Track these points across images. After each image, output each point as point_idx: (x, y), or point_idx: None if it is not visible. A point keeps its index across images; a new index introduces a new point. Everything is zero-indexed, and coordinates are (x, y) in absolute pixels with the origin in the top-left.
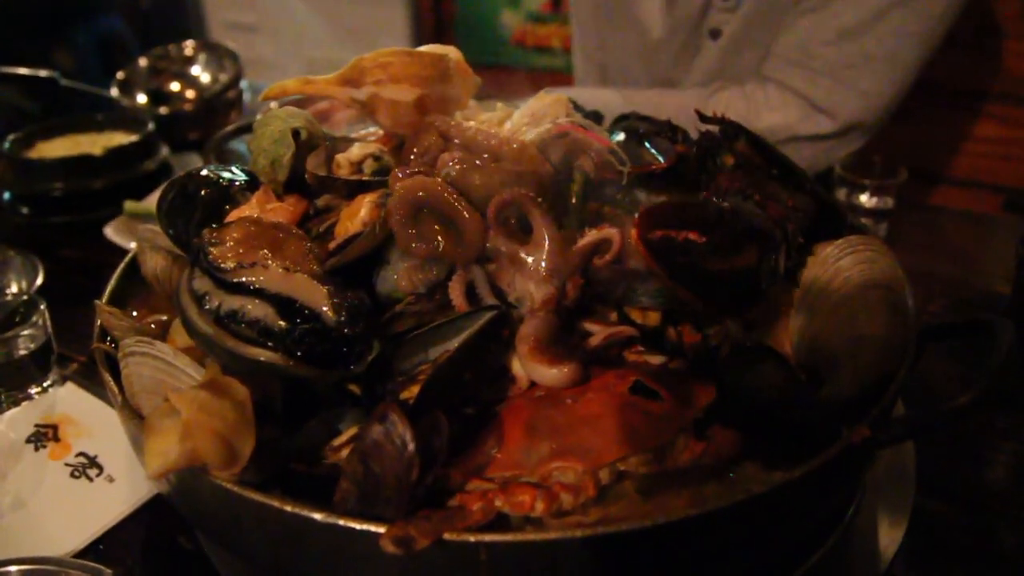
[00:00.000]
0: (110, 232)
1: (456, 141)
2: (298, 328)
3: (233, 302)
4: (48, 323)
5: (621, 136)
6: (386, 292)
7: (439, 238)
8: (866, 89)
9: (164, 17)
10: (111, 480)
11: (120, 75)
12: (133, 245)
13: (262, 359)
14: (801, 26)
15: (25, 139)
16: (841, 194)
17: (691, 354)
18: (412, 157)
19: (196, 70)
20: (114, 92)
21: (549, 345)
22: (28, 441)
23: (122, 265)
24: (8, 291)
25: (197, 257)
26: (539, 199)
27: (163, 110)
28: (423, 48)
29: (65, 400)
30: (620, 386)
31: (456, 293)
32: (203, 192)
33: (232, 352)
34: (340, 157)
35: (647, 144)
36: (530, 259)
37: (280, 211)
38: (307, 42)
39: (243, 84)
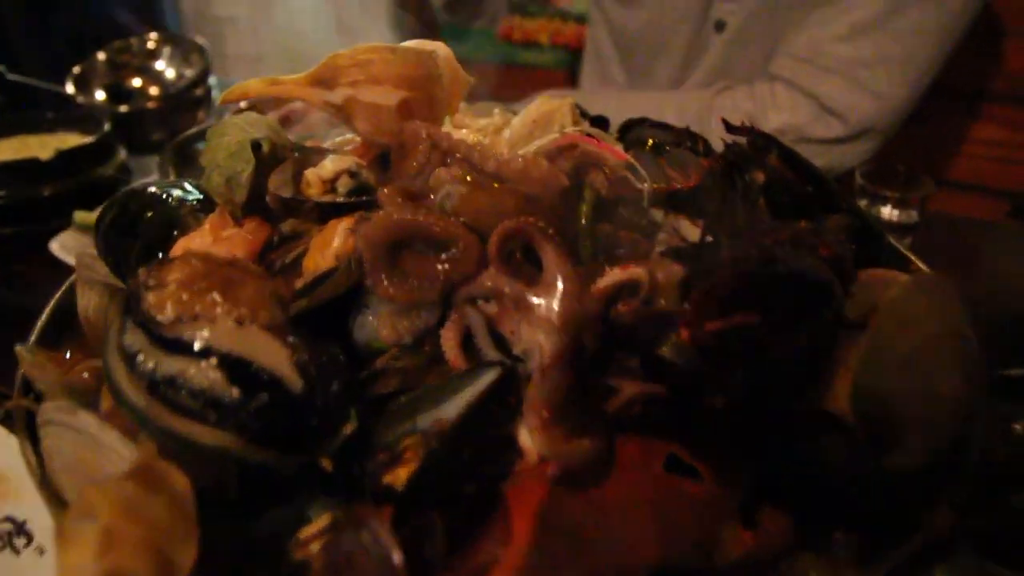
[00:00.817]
0: (56, 248)
1: (457, 155)
2: (254, 399)
3: (172, 365)
4: None
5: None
6: (365, 341)
7: (426, 272)
8: (880, 90)
9: (137, 8)
10: (41, 552)
11: (76, 70)
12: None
13: (207, 442)
14: (812, 21)
15: None
16: (860, 205)
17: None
18: (406, 173)
19: (160, 65)
20: (69, 88)
21: (565, 413)
22: None
23: (57, 296)
24: None
25: (129, 305)
26: (551, 230)
27: (123, 108)
28: (407, 44)
29: None
30: (651, 462)
31: (450, 344)
32: (147, 214)
33: (169, 432)
34: (310, 174)
35: (666, 156)
36: (540, 303)
37: (237, 239)
38: (290, 34)
39: (212, 80)
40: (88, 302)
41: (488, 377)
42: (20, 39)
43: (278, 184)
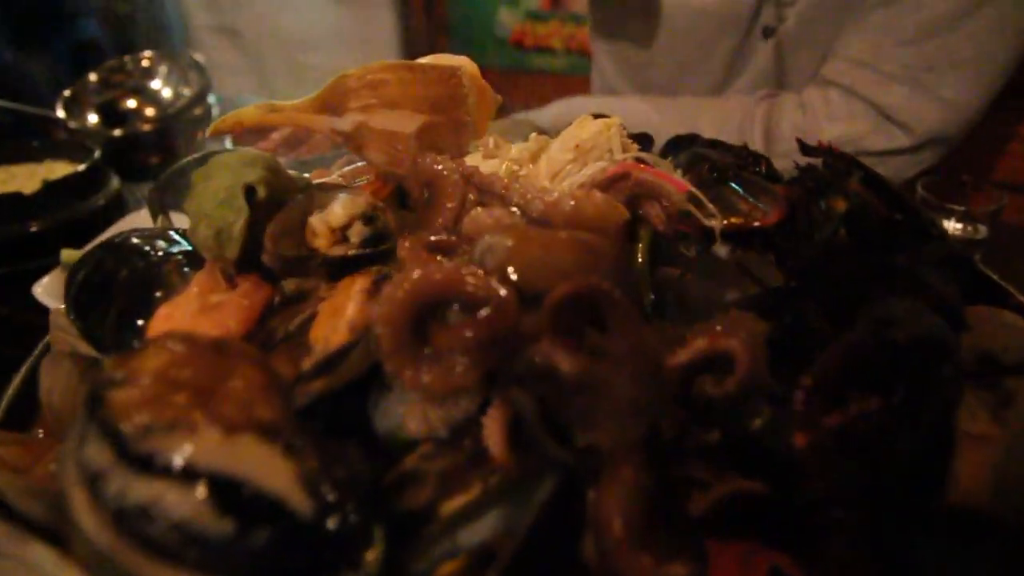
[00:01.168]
0: (41, 292)
1: (496, 196)
2: (252, 533)
3: (142, 490)
4: None
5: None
6: (389, 432)
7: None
8: (950, 97)
9: (142, 22)
10: None
11: (67, 92)
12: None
13: None
14: (873, 22)
15: None
16: None
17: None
18: (433, 221)
19: (156, 84)
20: (60, 112)
21: (647, 529)
22: None
23: (27, 364)
24: None
25: (92, 410)
26: (618, 293)
27: (117, 132)
28: (426, 60)
29: None
30: None
31: (495, 438)
32: (123, 273)
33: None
34: (316, 222)
35: (732, 183)
36: (607, 384)
37: (229, 307)
38: (294, 47)
39: (212, 99)
40: (53, 382)
41: (549, 483)
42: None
43: (279, 235)
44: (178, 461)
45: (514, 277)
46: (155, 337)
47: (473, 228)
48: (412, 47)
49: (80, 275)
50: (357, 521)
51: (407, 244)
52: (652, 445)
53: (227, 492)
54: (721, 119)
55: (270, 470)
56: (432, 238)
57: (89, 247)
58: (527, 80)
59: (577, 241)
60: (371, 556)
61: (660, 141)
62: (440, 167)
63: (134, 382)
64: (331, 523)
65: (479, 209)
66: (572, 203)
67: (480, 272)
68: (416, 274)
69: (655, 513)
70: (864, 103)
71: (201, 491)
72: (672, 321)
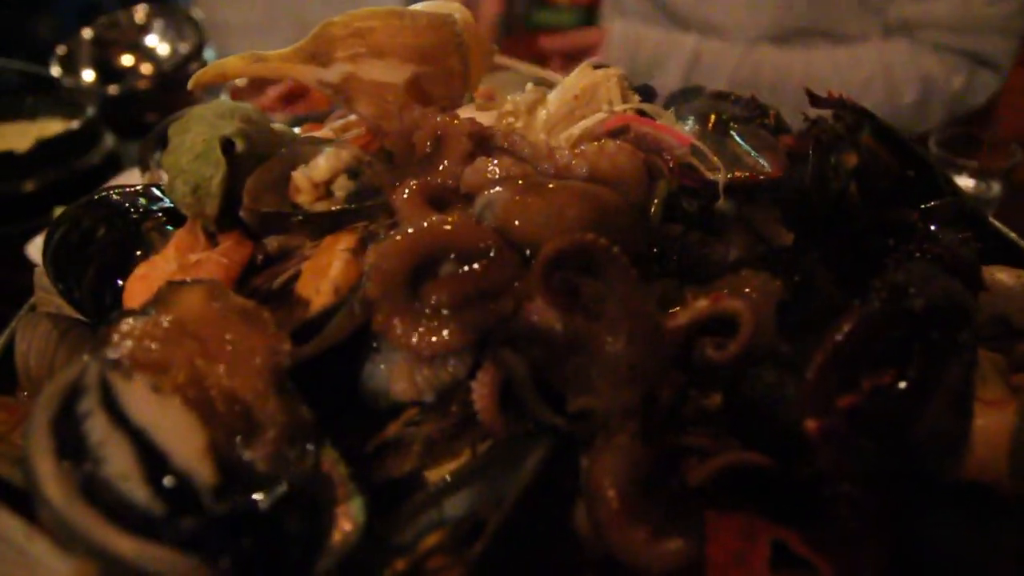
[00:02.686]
0: (34, 252)
1: (508, 147)
2: (177, 514)
3: (99, 425)
4: None
5: (691, 122)
6: (374, 392)
7: (457, 307)
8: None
9: None
10: None
11: (61, 49)
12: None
13: (153, 568)
14: None
15: None
16: None
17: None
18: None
19: (152, 40)
20: (55, 70)
21: (642, 500)
22: None
23: (11, 326)
24: None
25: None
26: (616, 248)
27: (112, 89)
28: (417, 7)
29: None
30: (752, 555)
31: (485, 402)
32: (101, 231)
33: (103, 554)
34: (298, 176)
35: (735, 135)
36: (602, 345)
37: (208, 265)
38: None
39: (208, 54)
40: (29, 344)
41: (540, 450)
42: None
43: (258, 191)
44: (119, 404)
45: (514, 231)
46: (207, 284)
47: (476, 180)
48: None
49: (58, 234)
50: (320, 503)
51: (405, 192)
52: (649, 411)
53: (153, 462)
54: (834, 69)
55: (184, 439)
56: (433, 183)
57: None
58: (534, 36)
59: (585, 194)
60: (349, 529)
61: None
62: (442, 119)
63: (149, 314)
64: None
65: (483, 159)
66: (586, 161)
67: (479, 225)
68: (414, 225)
69: (651, 483)
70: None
71: (133, 454)
72: (673, 280)
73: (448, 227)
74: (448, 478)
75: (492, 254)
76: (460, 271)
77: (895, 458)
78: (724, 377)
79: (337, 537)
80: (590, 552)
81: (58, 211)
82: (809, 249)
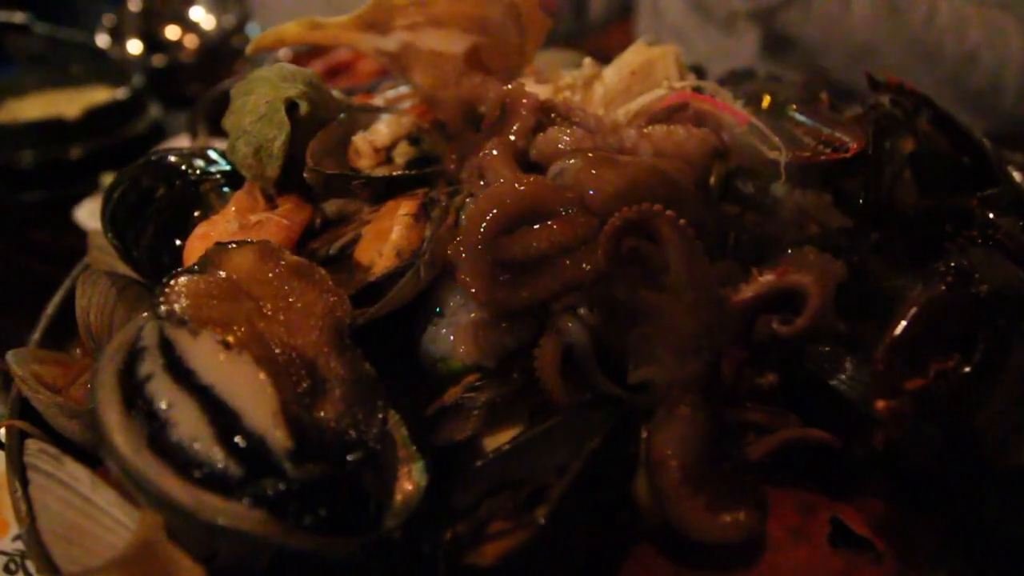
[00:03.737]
0: (82, 215)
1: (575, 119)
2: (255, 477)
3: (163, 387)
4: None
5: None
6: (437, 358)
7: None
8: None
9: None
10: None
11: (108, 20)
12: None
13: (221, 523)
14: None
15: None
16: None
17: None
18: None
19: (197, 13)
20: (101, 40)
21: (704, 471)
22: None
23: (64, 285)
24: None
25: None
26: (682, 220)
27: (158, 60)
28: None
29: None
30: (810, 529)
31: (549, 370)
32: (160, 191)
33: (174, 507)
34: (360, 141)
35: (795, 115)
36: (664, 315)
37: (268, 226)
38: None
39: (250, 29)
40: (90, 300)
41: (603, 420)
42: None
43: (321, 154)
44: (184, 362)
45: (586, 200)
46: (259, 244)
47: (548, 149)
48: None
49: (116, 193)
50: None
51: (494, 151)
52: (711, 383)
53: (224, 422)
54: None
55: (255, 402)
56: (519, 147)
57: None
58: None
59: (656, 171)
60: (411, 492)
61: None
62: (510, 89)
63: (208, 271)
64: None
65: (555, 129)
66: (652, 143)
67: (563, 189)
68: (507, 184)
69: (712, 455)
70: None
71: (203, 408)
72: (736, 262)
73: (536, 188)
74: (509, 444)
75: (569, 215)
76: (538, 228)
77: (958, 441)
78: (783, 354)
79: (400, 498)
80: (649, 521)
81: (106, 177)
82: (865, 232)
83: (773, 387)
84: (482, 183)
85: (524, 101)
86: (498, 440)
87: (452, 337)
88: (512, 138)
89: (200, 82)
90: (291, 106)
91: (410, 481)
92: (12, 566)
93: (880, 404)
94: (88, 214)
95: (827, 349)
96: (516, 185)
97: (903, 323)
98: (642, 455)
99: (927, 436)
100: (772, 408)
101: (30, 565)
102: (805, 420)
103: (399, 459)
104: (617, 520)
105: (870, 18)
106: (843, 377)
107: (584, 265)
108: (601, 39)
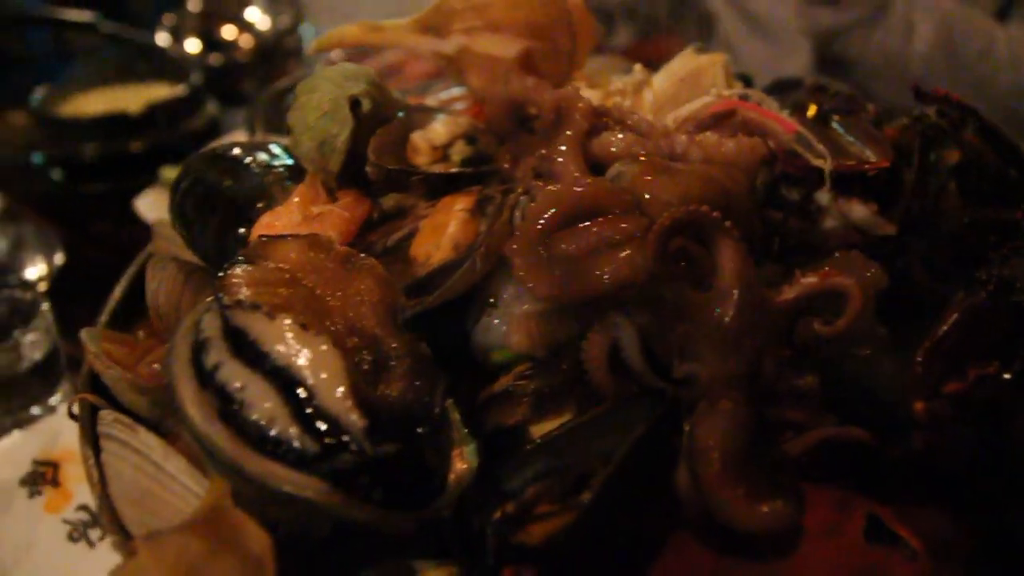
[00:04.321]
0: (142, 207)
1: (627, 124)
2: (333, 454)
3: (232, 372)
4: (54, 328)
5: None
6: (488, 347)
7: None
8: None
9: None
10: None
11: (168, 19)
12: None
13: (289, 491)
14: None
15: (58, 92)
16: None
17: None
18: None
19: (252, 14)
20: (161, 38)
21: (743, 463)
22: (23, 483)
23: (130, 271)
24: (22, 272)
25: (216, 276)
26: (728, 223)
27: (214, 58)
28: None
29: (72, 427)
30: (846, 525)
31: (596, 362)
32: (227, 182)
33: (244, 475)
34: (418, 138)
35: (837, 126)
36: (709, 314)
37: (330, 218)
38: None
39: (303, 30)
40: (159, 284)
41: (648, 411)
42: None
43: (381, 150)
44: (257, 345)
45: (640, 204)
46: (306, 236)
47: (602, 152)
48: None
49: (184, 184)
50: (425, 443)
51: (563, 147)
52: (752, 381)
53: (297, 396)
54: None
55: (328, 383)
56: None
57: (191, 157)
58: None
59: (709, 178)
60: (464, 472)
61: None
62: (565, 92)
63: (260, 262)
64: (383, 447)
65: (609, 133)
66: (703, 151)
67: (621, 191)
68: (567, 185)
69: (752, 450)
70: None
71: (276, 387)
72: (780, 266)
73: (596, 189)
74: (556, 432)
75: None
76: (590, 224)
77: (995, 446)
78: (824, 355)
79: (452, 477)
80: (688, 510)
81: (166, 170)
82: (908, 242)
83: (812, 389)
84: (539, 183)
85: (579, 105)
86: (545, 428)
87: (505, 328)
88: (569, 140)
89: (254, 80)
90: (354, 103)
91: (463, 461)
92: (75, 535)
93: (918, 405)
94: (148, 205)
95: (866, 352)
96: (576, 186)
97: (944, 328)
98: (684, 446)
99: (964, 439)
100: (811, 408)
101: (92, 534)
102: (843, 422)
103: (452, 441)
104: (658, 508)
105: (928, 54)
106: (882, 380)
107: (636, 262)
108: (647, 47)
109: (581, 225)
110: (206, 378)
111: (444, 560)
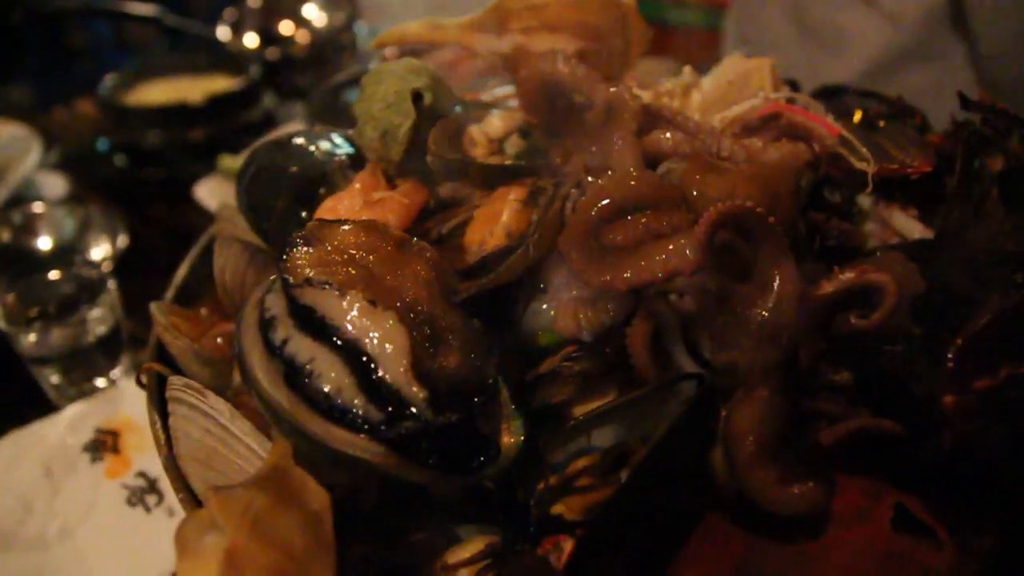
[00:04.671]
0: (202, 193)
1: (676, 123)
2: (397, 421)
3: (300, 345)
4: (118, 305)
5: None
6: (536, 330)
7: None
8: None
9: None
10: (171, 514)
11: (229, 14)
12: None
13: (351, 452)
14: None
15: (124, 81)
16: None
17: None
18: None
19: (309, 11)
20: (222, 32)
21: (777, 447)
22: (85, 449)
23: (194, 252)
24: (88, 252)
25: (279, 257)
26: (772, 219)
27: (271, 53)
28: None
29: (132, 398)
30: (875, 512)
31: (639, 347)
32: (292, 168)
33: (307, 436)
34: (475, 131)
35: (882, 132)
36: (750, 305)
37: (391, 204)
38: None
39: (358, 27)
40: (225, 261)
41: (687, 393)
42: None
43: (440, 141)
44: (326, 320)
45: (689, 200)
46: (334, 215)
47: (654, 149)
48: None
49: (251, 169)
50: (479, 415)
51: (619, 142)
52: (788, 371)
53: (363, 369)
54: None
55: (392, 357)
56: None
57: (256, 144)
58: (661, 33)
59: (755, 177)
60: (512, 445)
61: None
62: (618, 91)
63: (317, 244)
64: (443, 416)
65: (659, 132)
66: (747, 153)
67: (672, 185)
68: (619, 178)
69: (786, 436)
70: None
71: (343, 359)
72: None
73: (645, 183)
74: (598, 412)
75: (670, 207)
76: (640, 215)
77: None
78: (858, 349)
79: (500, 448)
80: (723, 492)
81: (224, 159)
82: (947, 245)
83: (847, 382)
84: (589, 178)
85: (632, 103)
86: (588, 407)
87: (552, 312)
88: (624, 136)
89: (309, 75)
90: (416, 96)
91: (510, 435)
92: (132, 499)
93: (948, 399)
94: (207, 192)
95: (900, 348)
96: (628, 179)
97: (977, 326)
98: (720, 430)
99: (993, 435)
100: (845, 400)
101: (148, 499)
102: (875, 415)
103: (501, 415)
104: (693, 488)
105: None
106: (914, 375)
107: (685, 253)
108: (689, 47)
109: (630, 217)
110: (274, 351)
111: (486, 526)
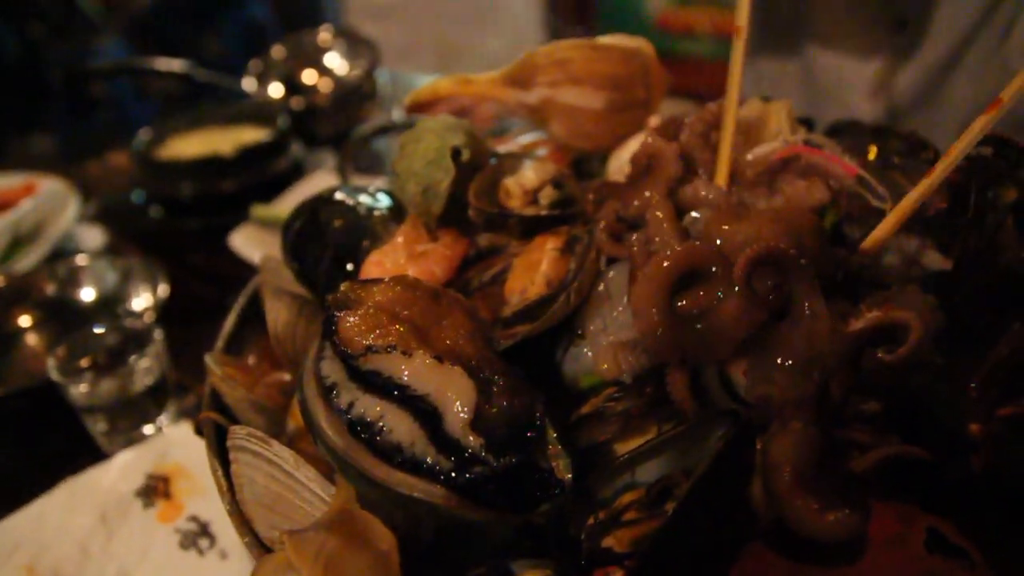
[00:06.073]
0: (237, 242)
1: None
2: (466, 469)
3: (368, 406)
4: (164, 354)
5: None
6: (576, 375)
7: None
8: None
9: (301, 2)
10: (224, 556)
11: (255, 65)
12: (259, 258)
13: (416, 496)
14: None
15: (158, 136)
16: None
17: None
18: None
19: (331, 59)
20: (248, 84)
21: (814, 476)
22: (138, 495)
23: (241, 302)
24: (130, 302)
25: (328, 329)
26: (804, 260)
27: (296, 102)
28: (608, 39)
29: (179, 445)
30: (909, 537)
31: (679, 385)
32: (335, 223)
33: (372, 479)
34: (511, 183)
35: (897, 168)
36: (783, 342)
37: (434, 256)
38: (444, 22)
39: (379, 74)
40: (277, 316)
41: (724, 430)
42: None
43: (479, 194)
44: (392, 379)
45: (720, 247)
46: (380, 275)
47: (692, 200)
48: (558, 28)
49: (297, 224)
50: (533, 457)
51: (660, 214)
52: (821, 403)
53: (434, 422)
54: None
55: (464, 405)
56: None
57: (300, 200)
58: (671, 65)
59: (779, 218)
60: (563, 482)
61: None
62: (657, 142)
63: (362, 307)
64: (506, 459)
65: (699, 183)
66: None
67: (715, 249)
68: (681, 249)
69: (821, 466)
70: None
71: (413, 415)
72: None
73: (699, 251)
74: (642, 449)
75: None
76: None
77: None
78: (887, 381)
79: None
80: (762, 521)
81: (257, 207)
82: (965, 278)
83: (876, 412)
84: (635, 235)
85: (669, 154)
86: (631, 445)
87: (592, 356)
88: (664, 189)
89: (333, 123)
90: (456, 153)
91: (559, 473)
92: (185, 543)
93: (974, 427)
94: (242, 241)
95: (926, 379)
96: (680, 250)
97: (998, 357)
98: (758, 462)
99: (1021, 459)
100: (875, 429)
101: (201, 543)
102: (905, 442)
103: (549, 455)
104: (735, 518)
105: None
106: (940, 404)
107: (740, 317)
108: (696, 77)
109: (692, 288)
110: (340, 413)
111: (539, 561)
